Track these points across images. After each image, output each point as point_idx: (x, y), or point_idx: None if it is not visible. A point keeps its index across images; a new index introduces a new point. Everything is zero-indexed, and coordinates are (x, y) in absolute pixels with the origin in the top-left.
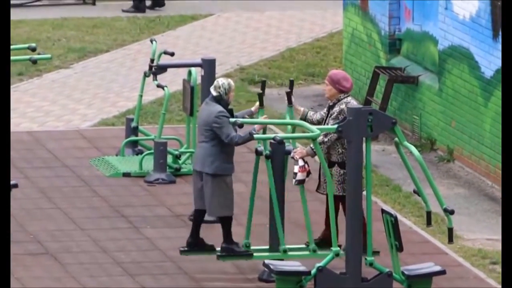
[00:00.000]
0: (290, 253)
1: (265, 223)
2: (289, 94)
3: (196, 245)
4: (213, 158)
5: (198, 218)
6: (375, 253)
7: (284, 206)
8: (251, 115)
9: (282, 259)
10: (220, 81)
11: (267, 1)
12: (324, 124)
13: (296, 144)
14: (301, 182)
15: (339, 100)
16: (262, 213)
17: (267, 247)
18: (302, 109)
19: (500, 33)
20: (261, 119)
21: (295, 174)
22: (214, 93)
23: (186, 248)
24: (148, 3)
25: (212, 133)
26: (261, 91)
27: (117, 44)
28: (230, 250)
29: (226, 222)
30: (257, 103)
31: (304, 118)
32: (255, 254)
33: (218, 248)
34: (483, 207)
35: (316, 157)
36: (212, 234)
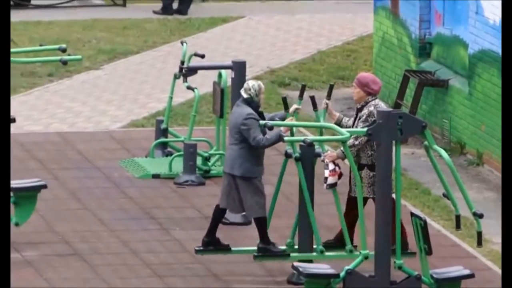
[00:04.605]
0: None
1: (290, 225)
2: (313, 99)
3: (211, 244)
4: (242, 160)
5: (218, 216)
6: (411, 254)
7: (313, 209)
8: (283, 118)
9: (311, 261)
10: (250, 83)
11: (298, 4)
12: (353, 127)
13: (325, 147)
14: (332, 186)
15: (367, 103)
16: (287, 214)
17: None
18: (337, 114)
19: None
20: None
21: (326, 178)
22: (244, 95)
23: (201, 248)
24: (175, 5)
25: (241, 135)
26: (285, 95)
27: (147, 45)
28: (267, 250)
29: (259, 223)
30: (294, 106)
31: (339, 123)
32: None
33: (234, 248)
34: None
35: (346, 160)
36: (240, 235)
